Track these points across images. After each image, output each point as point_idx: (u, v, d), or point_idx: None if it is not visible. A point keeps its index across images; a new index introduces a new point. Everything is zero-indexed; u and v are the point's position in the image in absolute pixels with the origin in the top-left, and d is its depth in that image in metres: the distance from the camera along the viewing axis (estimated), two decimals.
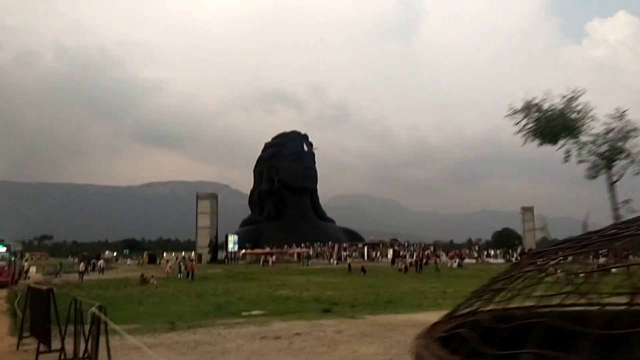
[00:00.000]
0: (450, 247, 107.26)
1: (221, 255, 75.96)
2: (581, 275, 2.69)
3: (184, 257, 63.10)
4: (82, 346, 8.68)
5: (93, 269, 53.24)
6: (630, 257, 3.00)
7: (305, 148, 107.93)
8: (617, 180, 17.31)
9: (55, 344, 9.41)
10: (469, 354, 2.25)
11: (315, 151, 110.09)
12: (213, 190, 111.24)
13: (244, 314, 16.40)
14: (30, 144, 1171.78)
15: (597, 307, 2.95)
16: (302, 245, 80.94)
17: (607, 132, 17.23)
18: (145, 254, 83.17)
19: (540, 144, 17.83)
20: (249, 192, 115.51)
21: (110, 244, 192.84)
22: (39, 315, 10.38)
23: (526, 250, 65.19)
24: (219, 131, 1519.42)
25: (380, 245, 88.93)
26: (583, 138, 17.39)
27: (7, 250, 32.67)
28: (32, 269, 52.02)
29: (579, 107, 17.26)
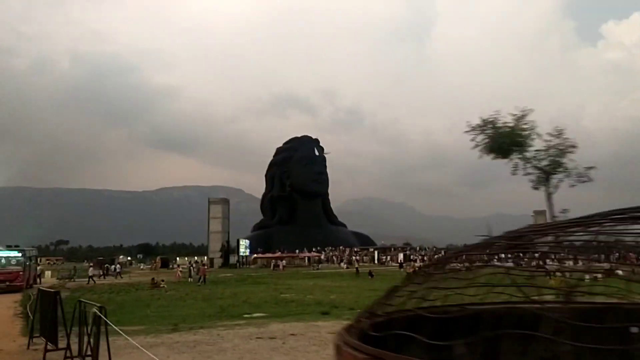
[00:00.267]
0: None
1: (233, 259, 76.71)
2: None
3: (196, 261, 64.11)
4: (86, 345, 9.34)
5: (107, 274, 54.49)
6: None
7: (317, 153, 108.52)
8: (554, 192, 19.29)
9: (62, 343, 10.12)
10: (394, 344, 2.85)
11: (326, 156, 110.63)
12: (226, 195, 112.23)
13: (245, 316, 17.04)
14: (46, 150, 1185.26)
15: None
16: (314, 249, 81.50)
17: (548, 149, 19.27)
18: (158, 258, 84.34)
19: (494, 158, 19.64)
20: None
21: (125, 248, 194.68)
22: (47, 316, 11.10)
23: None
24: (232, 136, 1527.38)
25: (392, 250, 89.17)
26: (528, 153, 19.36)
27: (22, 256, 33.54)
28: (47, 273, 53.21)
29: (526, 125, 19.29)
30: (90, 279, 42.68)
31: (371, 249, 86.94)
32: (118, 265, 59.76)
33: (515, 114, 19.37)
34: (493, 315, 3.60)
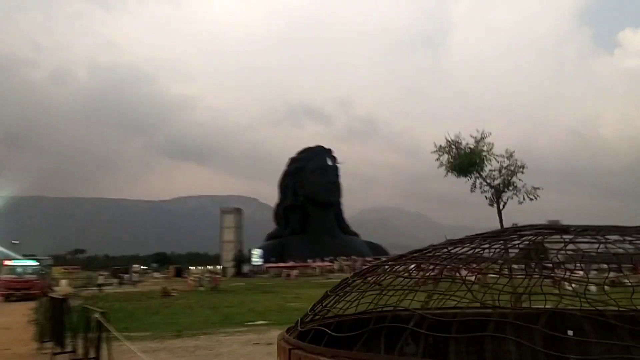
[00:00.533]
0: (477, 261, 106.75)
1: (246, 268, 77.45)
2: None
3: (210, 271, 64.95)
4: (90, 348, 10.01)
5: (122, 282, 55.58)
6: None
7: (330, 162, 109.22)
8: (503, 207, 21.57)
9: (70, 347, 10.83)
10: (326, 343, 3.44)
11: (339, 165, 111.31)
12: (241, 204, 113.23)
13: (247, 323, 17.67)
14: (64, 160, 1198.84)
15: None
16: (326, 259, 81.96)
17: (500, 169, 21.47)
18: (172, 267, 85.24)
19: (458, 176, 21.62)
20: None
21: (140, 257, 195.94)
22: (55, 322, 11.84)
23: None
24: (247, 146, 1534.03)
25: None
26: (484, 173, 21.52)
27: (37, 265, 34.56)
28: (63, 282, 54.14)
29: (484, 147, 21.34)
30: (100, 287, 43.63)
31: (384, 259, 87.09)
32: (136, 274, 60.98)
33: (475, 136, 21.30)
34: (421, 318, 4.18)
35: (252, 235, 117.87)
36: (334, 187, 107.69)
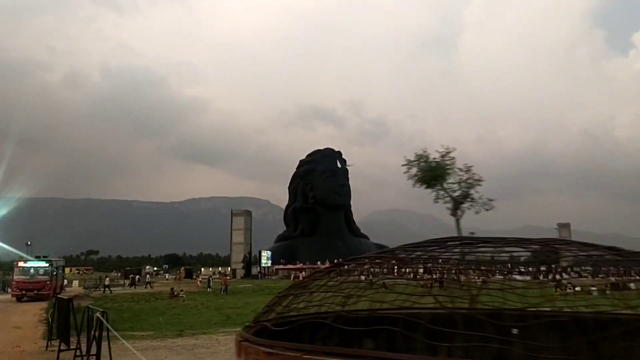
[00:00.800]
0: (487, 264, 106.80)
1: (255, 270, 78.10)
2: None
3: (220, 272, 65.79)
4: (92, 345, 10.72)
5: (132, 284, 56.58)
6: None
7: (339, 165, 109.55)
8: (461, 217, 23.72)
9: (74, 344, 11.54)
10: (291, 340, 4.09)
11: (348, 168, 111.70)
12: (253, 206, 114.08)
13: (248, 324, 18.30)
14: (78, 162, 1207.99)
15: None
16: (335, 261, 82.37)
17: (460, 182, 23.45)
18: (182, 269, 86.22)
19: (426, 188, 23.81)
20: None
21: (152, 258, 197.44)
22: (62, 321, 12.58)
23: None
24: (259, 148, 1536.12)
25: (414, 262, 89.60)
26: (446, 185, 23.66)
27: (49, 266, 35.39)
28: (75, 283, 55.31)
29: (448, 161, 23.46)
30: (107, 288, 44.52)
31: (393, 261, 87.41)
32: (148, 276, 62.20)
33: (440, 151, 23.43)
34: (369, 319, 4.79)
35: (264, 237, 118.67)
36: (343, 190, 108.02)
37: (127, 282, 58.99)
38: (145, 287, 51.22)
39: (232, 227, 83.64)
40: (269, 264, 79.93)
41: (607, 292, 7.35)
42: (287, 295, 4.76)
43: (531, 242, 4.75)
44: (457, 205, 23.39)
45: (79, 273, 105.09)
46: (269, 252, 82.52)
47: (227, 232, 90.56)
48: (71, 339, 11.94)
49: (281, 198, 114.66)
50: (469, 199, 23.37)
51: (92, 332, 10.39)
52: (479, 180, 23.55)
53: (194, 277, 76.65)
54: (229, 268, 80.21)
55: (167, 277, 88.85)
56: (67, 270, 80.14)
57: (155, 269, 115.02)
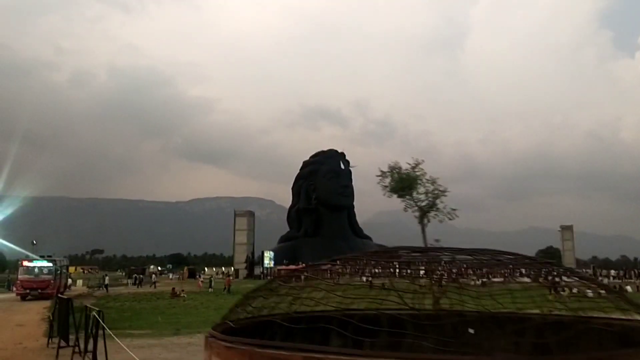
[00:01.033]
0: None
1: (257, 270, 78.68)
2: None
3: (223, 272, 66.49)
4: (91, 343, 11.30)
5: (135, 283, 57.37)
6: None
7: (342, 166, 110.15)
8: (426, 225, 26.83)
9: (73, 342, 12.15)
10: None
11: (352, 169, 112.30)
12: (258, 206, 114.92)
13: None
14: (83, 161, 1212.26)
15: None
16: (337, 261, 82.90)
17: (427, 193, 26.82)
18: (185, 269, 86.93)
19: (398, 197, 27.43)
20: None
21: (157, 258, 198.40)
22: (62, 320, 13.18)
23: None
24: (264, 148, 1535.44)
25: (416, 263, 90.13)
26: (415, 195, 26.76)
27: (53, 265, 36.08)
28: (79, 282, 56.04)
29: (417, 172, 26.68)
30: (105, 287, 45.22)
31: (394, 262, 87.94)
32: (154, 275, 63.21)
33: (411, 163, 26.23)
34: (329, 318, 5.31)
35: (268, 237, 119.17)
36: (347, 191, 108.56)
37: (130, 281, 59.72)
38: (151, 287, 51.95)
39: (235, 227, 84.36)
40: (272, 265, 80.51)
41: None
42: (254, 296, 5.30)
43: (461, 251, 5.28)
44: (423, 214, 26.06)
45: (84, 272, 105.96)
46: (272, 253, 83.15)
47: (231, 232, 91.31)
48: (70, 336, 12.56)
49: (285, 198, 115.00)
50: (434, 209, 26.33)
51: (89, 330, 10.97)
52: (444, 191, 26.34)
53: (198, 277, 77.41)
54: (232, 268, 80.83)
55: (170, 276, 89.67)
56: (72, 269, 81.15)
57: (159, 268, 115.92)
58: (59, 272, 37.21)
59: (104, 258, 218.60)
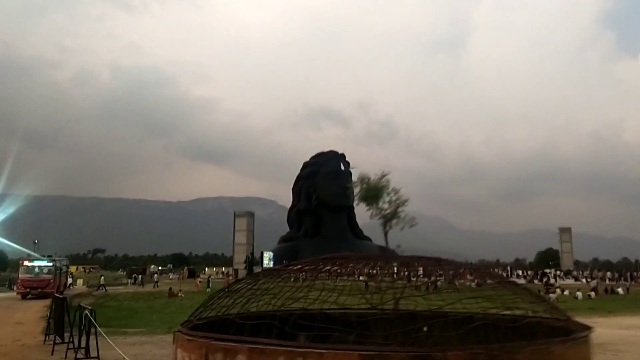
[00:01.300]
0: (490, 267, 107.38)
1: (257, 271, 79.16)
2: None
3: (223, 272, 67.17)
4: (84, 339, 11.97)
5: (135, 282, 58.21)
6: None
7: (343, 167, 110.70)
8: (388, 232, 29.11)
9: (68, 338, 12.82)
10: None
11: (352, 170, 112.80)
12: (260, 206, 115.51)
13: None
14: (86, 160, 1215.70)
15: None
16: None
17: (390, 202, 28.70)
18: (185, 268, 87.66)
19: (366, 205, 30.60)
20: None
21: (158, 258, 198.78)
22: (58, 318, 13.87)
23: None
24: (266, 148, 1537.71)
25: (416, 264, 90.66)
26: (380, 204, 28.96)
27: (52, 265, 36.82)
28: (79, 282, 56.78)
29: (383, 183, 28.64)
30: (102, 287, 45.94)
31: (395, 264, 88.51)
32: (156, 275, 64.32)
33: (377, 174, 28.41)
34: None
35: (270, 237, 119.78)
36: (347, 192, 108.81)
37: (130, 281, 60.52)
38: (153, 287, 52.71)
39: (235, 228, 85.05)
40: (271, 265, 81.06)
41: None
42: (218, 296, 5.94)
43: (395, 258, 5.91)
44: (386, 221, 27.95)
45: (85, 272, 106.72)
46: (271, 253, 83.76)
47: (232, 233, 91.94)
48: (66, 334, 13.23)
49: (288, 199, 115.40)
50: (396, 217, 28.46)
51: (82, 328, 11.65)
52: (405, 200, 28.80)
53: (198, 277, 78.10)
54: (232, 268, 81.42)
55: (171, 276, 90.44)
56: (73, 268, 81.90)
57: (160, 268, 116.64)
58: (58, 271, 37.90)
59: (106, 257, 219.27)
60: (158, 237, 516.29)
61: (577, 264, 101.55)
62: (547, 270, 78.75)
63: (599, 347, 13.17)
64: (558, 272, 75.97)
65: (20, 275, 36.48)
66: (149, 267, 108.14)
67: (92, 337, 11.47)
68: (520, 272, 78.20)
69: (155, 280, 58.77)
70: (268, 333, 4.63)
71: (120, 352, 10.88)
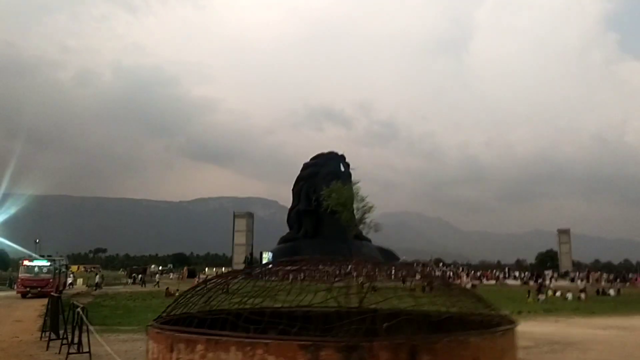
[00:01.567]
0: (489, 268, 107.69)
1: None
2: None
3: (222, 272, 67.96)
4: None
5: (135, 282, 59.07)
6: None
7: (342, 168, 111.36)
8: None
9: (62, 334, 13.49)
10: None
11: (352, 172, 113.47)
12: (262, 206, 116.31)
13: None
14: (87, 160, 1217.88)
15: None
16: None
17: (357, 209, 35.13)
18: (185, 268, 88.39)
19: (337, 212, 34.62)
20: None
21: (159, 257, 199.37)
22: (53, 315, 14.55)
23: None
24: (268, 148, 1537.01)
25: (414, 265, 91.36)
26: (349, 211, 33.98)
27: (51, 265, 37.56)
28: (79, 281, 57.53)
29: (355, 190, 32.38)
30: (97, 286, 46.64)
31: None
32: (157, 275, 65.36)
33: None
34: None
35: (271, 237, 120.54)
36: None
37: (130, 280, 61.29)
38: (155, 286, 53.46)
39: (235, 228, 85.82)
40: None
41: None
42: (187, 295, 6.57)
43: (348, 262, 6.53)
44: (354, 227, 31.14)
45: (86, 271, 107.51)
46: (270, 254, 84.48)
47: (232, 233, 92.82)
48: (61, 331, 13.90)
49: (289, 199, 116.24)
50: (363, 223, 31.84)
51: (74, 325, 12.31)
52: (371, 207, 31.65)
53: (197, 276, 78.83)
54: (231, 269, 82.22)
55: (171, 276, 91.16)
56: (74, 268, 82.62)
57: (160, 268, 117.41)
58: (58, 271, 38.61)
59: (107, 257, 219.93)
60: (159, 237, 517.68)
61: (578, 265, 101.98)
62: (547, 272, 79.36)
63: (568, 346, 13.83)
64: (554, 274, 76.46)
65: (20, 275, 37.22)
66: (150, 267, 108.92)
67: (85, 334, 12.11)
68: (517, 274, 78.82)
69: (157, 280, 59.77)
70: (224, 327, 5.25)
71: (107, 348, 11.49)
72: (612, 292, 42.70)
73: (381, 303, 6.89)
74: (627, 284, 58.73)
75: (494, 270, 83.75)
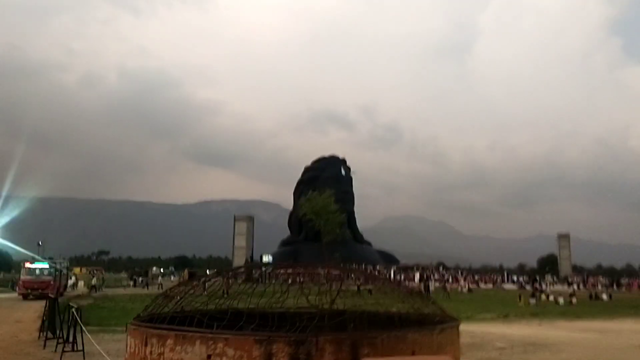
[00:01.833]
0: (492, 272, 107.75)
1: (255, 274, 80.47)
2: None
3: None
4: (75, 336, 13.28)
5: (135, 284, 59.84)
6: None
7: (343, 172, 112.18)
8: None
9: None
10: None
11: (353, 175, 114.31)
12: (264, 209, 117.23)
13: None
14: (92, 162, 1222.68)
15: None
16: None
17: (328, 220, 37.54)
18: (185, 271, 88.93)
19: (311, 221, 38.98)
20: None
21: (162, 260, 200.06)
22: (51, 316, 15.24)
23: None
24: (271, 151, 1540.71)
25: (414, 268, 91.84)
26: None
27: (52, 267, 38.30)
28: (80, 283, 58.23)
29: (327, 199, 37.24)
30: (94, 288, 47.33)
31: (395, 268, 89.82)
32: (160, 277, 66.53)
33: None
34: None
35: (274, 241, 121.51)
36: (347, 197, 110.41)
37: (131, 283, 62.03)
38: (158, 288, 54.12)
39: (235, 231, 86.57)
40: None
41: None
42: (164, 296, 7.20)
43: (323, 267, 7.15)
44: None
45: (89, 273, 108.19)
46: (271, 257, 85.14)
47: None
48: (58, 330, 14.57)
49: (292, 202, 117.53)
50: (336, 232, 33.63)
51: (69, 324, 12.99)
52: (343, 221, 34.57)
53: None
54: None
55: (172, 278, 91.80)
56: (77, 270, 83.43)
57: (161, 270, 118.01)
58: (58, 273, 39.31)
59: (110, 259, 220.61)
60: (162, 239, 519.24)
61: (580, 270, 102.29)
62: (547, 277, 79.90)
63: (541, 347, 14.41)
64: (552, 278, 76.94)
65: (21, 277, 37.97)
66: (151, 269, 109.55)
67: (79, 334, 12.79)
68: (515, 278, 79.33)
69: (160, 282, 60.53)
70: (192, 324, 5.88)
71: (97, 346, 12.16)
72: (604, 296, 43.20)
73: (347, 304, 7.46)
74: (623, 288, 59.17)
75: (493, 275, 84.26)
